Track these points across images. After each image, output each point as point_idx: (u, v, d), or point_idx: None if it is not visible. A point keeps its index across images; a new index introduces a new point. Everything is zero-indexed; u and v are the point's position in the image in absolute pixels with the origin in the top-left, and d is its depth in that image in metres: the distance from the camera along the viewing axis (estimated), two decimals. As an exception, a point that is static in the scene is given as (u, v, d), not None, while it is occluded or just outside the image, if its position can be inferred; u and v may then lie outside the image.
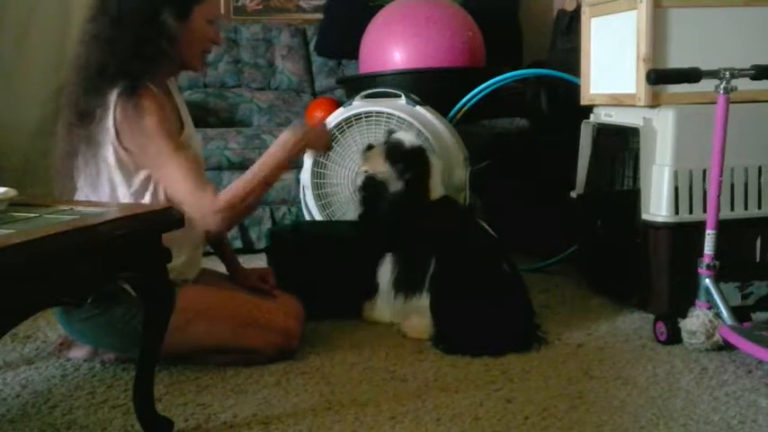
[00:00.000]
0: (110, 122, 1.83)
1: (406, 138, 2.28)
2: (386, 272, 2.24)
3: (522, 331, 2.09)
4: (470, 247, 2.17)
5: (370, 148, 2.32)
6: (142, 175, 1.88)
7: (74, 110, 1.86)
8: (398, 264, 2.21)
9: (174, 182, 1.88)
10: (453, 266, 2.12)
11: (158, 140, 1.84)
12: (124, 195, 1.87)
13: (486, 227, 2.22)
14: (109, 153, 1.85)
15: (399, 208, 2.20)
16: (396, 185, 2.22)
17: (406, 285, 2.19)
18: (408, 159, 2.22)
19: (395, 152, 2.24)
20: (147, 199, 1.89)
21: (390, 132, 2.33)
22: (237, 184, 1.96)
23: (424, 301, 2.14)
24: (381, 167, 2.24)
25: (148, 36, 1.84)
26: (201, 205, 1.87)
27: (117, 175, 1.87)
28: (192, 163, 1.90)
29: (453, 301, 2.10)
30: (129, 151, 1.86)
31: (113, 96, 1.82)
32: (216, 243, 2.22)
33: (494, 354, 2.02)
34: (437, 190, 2.25)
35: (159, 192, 1.90)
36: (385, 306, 2.26)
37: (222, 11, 4.02)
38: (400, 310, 2.21)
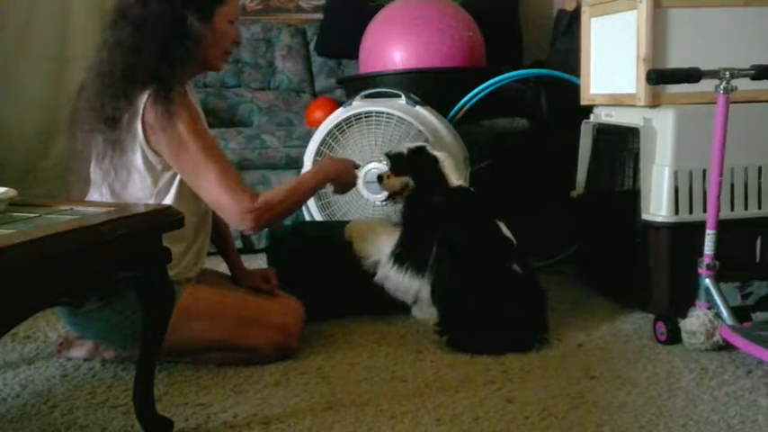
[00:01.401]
0: (138, 125, 1.83)
1: (403, 147, 2.33)
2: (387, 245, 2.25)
3: (521, 333, 2.09)
4: (471, 240, 2.16)
5: (380, 179, 2.35)
6: (167, 175, 1.89)
7: (98, 115, 1.85)
8: (402, 240, 2.23)
9: (209, 182, 1.87)
10: (451, 257, 2.13)
11: (192, 145, 1.84)
12: (149, 196, 1.88)
13: (502, 225, 2.20)
14: (136, 156, 1.86)
15: (417, 203, 2.25)
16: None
17: (408, 261, 2.20)
18: (412, 163, 2.27)
19: (400, 167, 2.29)
20: (170, 197, 1.90)
21: (389, 154, 2.35)
22: (276, 191, 1.98)
23: (425, 284, 2.17)
24: (398, 186, 2.28)
25: (174, 39, 1.84)
26: (238, 204, 1.88)
27: (143, 175, 1.88)
28: (227, 164, 1.91)
29: (451, 294, 2.12)
30: (157, 153, 1.86)
31: (142, 100, 1.82)
32: (219, 243, 2.23)
33: (492, 353, 2.02)
34: (452, 178, 2.24)
35: (182, 191, 1.91)
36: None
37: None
38: (408, 286, 2.22)
